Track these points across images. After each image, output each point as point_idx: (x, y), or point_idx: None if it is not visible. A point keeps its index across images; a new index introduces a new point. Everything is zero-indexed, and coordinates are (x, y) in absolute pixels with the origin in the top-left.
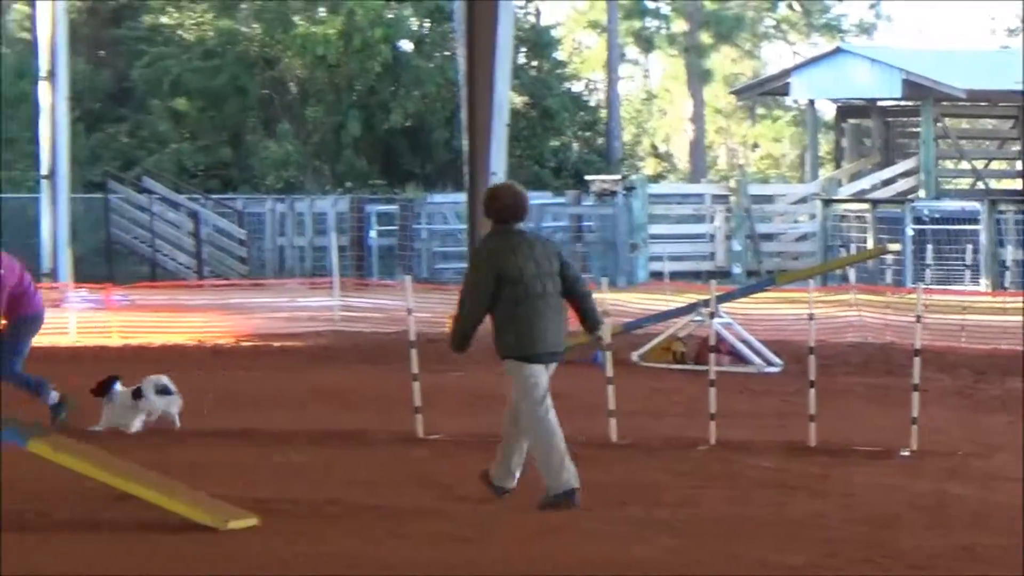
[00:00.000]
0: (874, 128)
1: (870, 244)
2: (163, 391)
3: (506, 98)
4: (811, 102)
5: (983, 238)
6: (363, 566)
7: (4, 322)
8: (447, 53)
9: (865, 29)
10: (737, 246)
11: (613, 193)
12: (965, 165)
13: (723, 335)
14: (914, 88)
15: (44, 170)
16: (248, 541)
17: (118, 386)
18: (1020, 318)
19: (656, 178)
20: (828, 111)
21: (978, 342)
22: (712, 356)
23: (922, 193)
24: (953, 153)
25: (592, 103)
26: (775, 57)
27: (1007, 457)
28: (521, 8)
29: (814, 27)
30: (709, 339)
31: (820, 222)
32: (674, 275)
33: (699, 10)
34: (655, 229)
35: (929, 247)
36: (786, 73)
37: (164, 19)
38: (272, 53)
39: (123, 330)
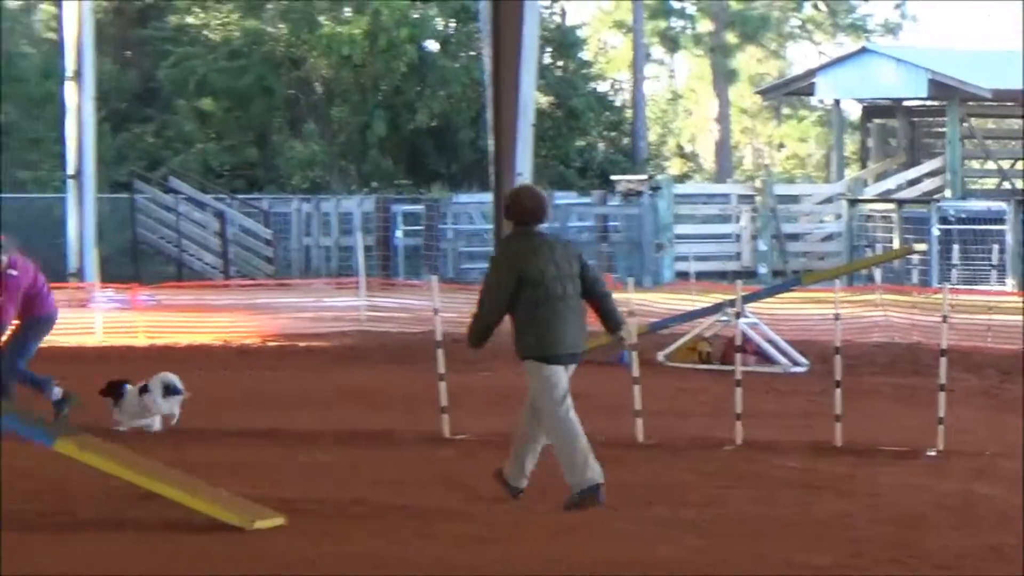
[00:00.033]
0: (900, 128)
1: (896, 244)
2: (170, 391)
3: (532, 98)
4: (837, 102)
5: (1009, 238)
6: (389, 566)
7: (16, 322)
8: (473, 53)
9: (891, 29)
10: (763, 246)
11: (639, 193)
12: (991, 165)
13: (749, 335)
14: (940, 88)
15: (71, 170)
16: (274, 541)
17: (128, 387)
18: None
19: (682, 178)
20: (854, 111)
21: (1004, 342)
22: (738, 356)
23: (948, 193)
24: (979, 153)
25: (618, 103)
26: (800, 57)
27: None
28: (547, 8)
29: (839, 27)
30: (735, 339)
31: (846, 222)
32: (700, 275)
33: (725, 10)
34: (681, 229)
35: (955, 247)
36: (811, 73)
37: (190, 19)
38: (298, 53)
39: (149, 330)
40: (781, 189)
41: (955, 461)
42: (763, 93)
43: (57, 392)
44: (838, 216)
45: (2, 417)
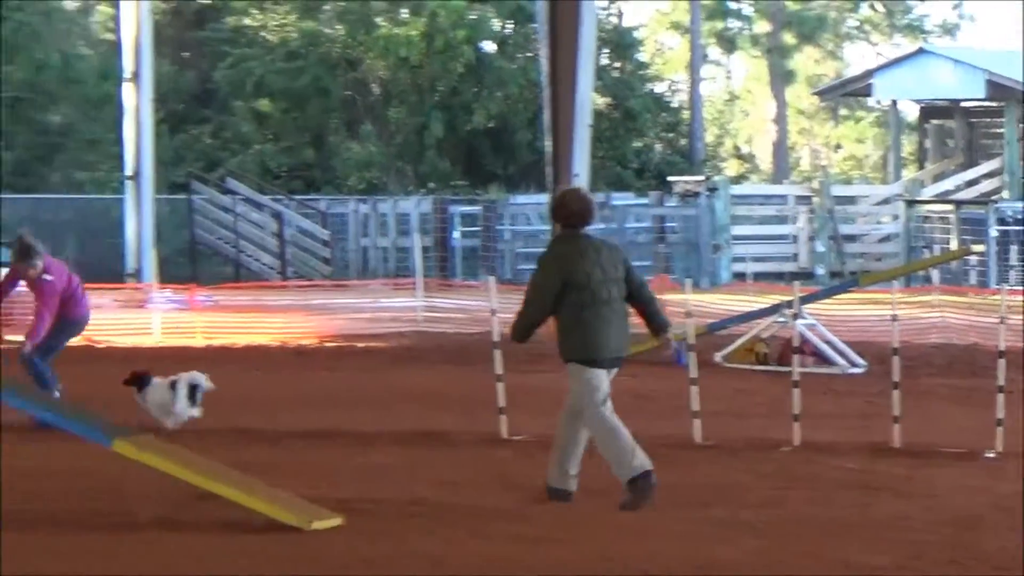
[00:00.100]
0: (957, 129)
1: (954, 245)
2: (195, 392)
3: (589, 99)
4: (894, 103)
5: None
6: (446, 566)
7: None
8: (530, 54)
9: (948, 29)
10: (820, 247)
11: (696, 194)
12: None
13: (806, 336)
14: (998, 89)
15: (129, 171)
16: (332, 541)
17: (154, 380)
18: None
19: (739, 179)
20: (911, 112)
21: None
22: (795, 357)
23: (1006, 194)
24: None
25: (675, 104)
26: (858, 58)
27: None
28: (604, 9)
29: (897, 28)
30: (792, 340)
31: (903, 223)
32: (757, 276)
33: (781, 11)
34: (738, 230)
35: (1013, 248)
36: (869, 74)
37: (247, 21)
38: (355, 54)
39: (207, 331)
40: (838, 190)
41: (1013, 463)
42: (820, 94)
43: (56, 395)
44: (895, 217)
45: (60, 417)
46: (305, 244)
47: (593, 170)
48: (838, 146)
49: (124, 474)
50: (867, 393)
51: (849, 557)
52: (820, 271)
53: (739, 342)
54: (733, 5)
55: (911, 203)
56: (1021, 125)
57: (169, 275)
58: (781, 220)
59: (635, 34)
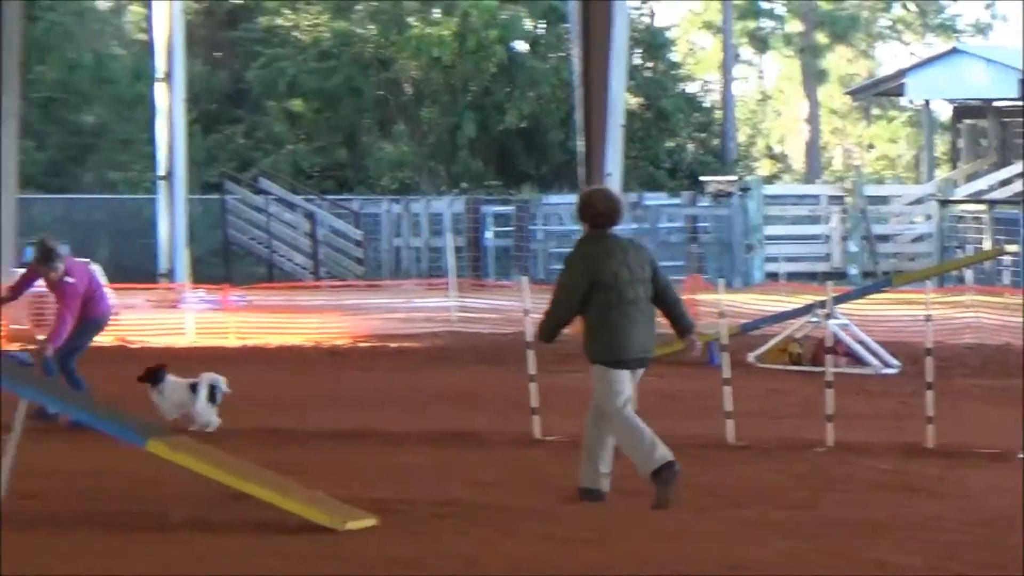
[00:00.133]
0: (990, 128)
1: (987, 245)
2: (214, 393)
3: (621, 99)
4: (927, 103)
5: None
6: (479, 566)
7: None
8: (562, 54)
9: (981, 29)
10: (853, 247)
11: (728, 194)
12: None
13: (840, 336)
14: None
15: (161, 171)
16: (364, 541)
17: (168, 377)
18: None
19: (771, 179)
20: (944, 111)
21: None
22: (829, 357)
23: None
24: None
25: (707, 104)
26: (890, 57)
27: None
28: (636, 9)
29: (929, 27)
30: (825, 340)
31: (936, 223)
32: (790, 276)
33: (814, 10)
34: (771, 230)
35: None
36: (901, 73)
37: (279, 21)
38: (387, 54)
39: (240, 331)
40: (871, 190)
41: None
42: (853, 94)
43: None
44: (928, 217)
45: (93, 417)
46: (338, 244)
47: (626, 170)
48: (871, 146)
49: (157, 474)
50: (900, 393)
51: (882, 558)
52: (853, 271)
53: (772, 342)
54: (765, 5)
55: (944, 203)
56: None
57: (202, 275)
58: (814, 220)
59: (667, 34)
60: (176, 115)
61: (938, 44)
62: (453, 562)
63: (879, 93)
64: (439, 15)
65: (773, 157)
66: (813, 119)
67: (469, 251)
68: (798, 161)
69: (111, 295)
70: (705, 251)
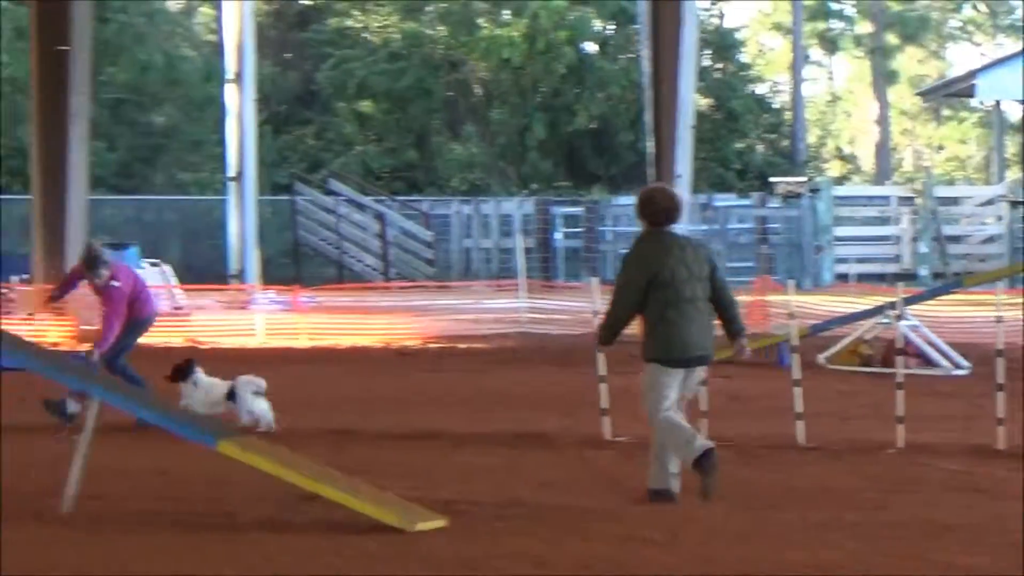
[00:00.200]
0: None
1: None
2: (258, 393)
3: (690, 100)
4: (997, 103)
5: None
6: (548, 566)
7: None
8: (632, 55)
9: None
10: (923, 248)
11: (798, 195)
12: None
13: (910, 338)
14: None
15: (232, 172)
16: (433, 542)
17: (200, 372)
18: None
19: (841, 180)
20: (1014, 112)
21: None
22: (899, 358)
23: None
24: None
25: (776, 105)
26: (961, 58)
27: None
28: (705, 10)
29: (1000, 28)
30: (896, 342)
31: (1007, 224)
32: (860, 277)
33: (884, 11)
34: (840, 231)
35: None
36: (972, 74)
37: (349, 22)
38: (457, 55)
39: (310, 332)
40: (941, 191)
41: None
42: (923, 95)
43: (74, 407)
44: (999, 218)
45: (163, 417)
46: (408, 245)
47: (695, 171)
48: (941, 147)
49: (225, 475)
50: (971, 395)
51: (951, 559)
52: (923, 272)
53: (842, 344)
54: (835, 6)
55: (1015, 204)
56: None
57: (272, 276)
58: (884, 221)
59: (737, 35)
60: (246, 116)
61: (1009, 45)
62: (521, 563)
63: (949, 94)
64: (509, 16)
65: (843, 158)
66: (883, 120)
67: (539, 252)
68: (868, 162)
69: (182, 295)
70: (775, 252)
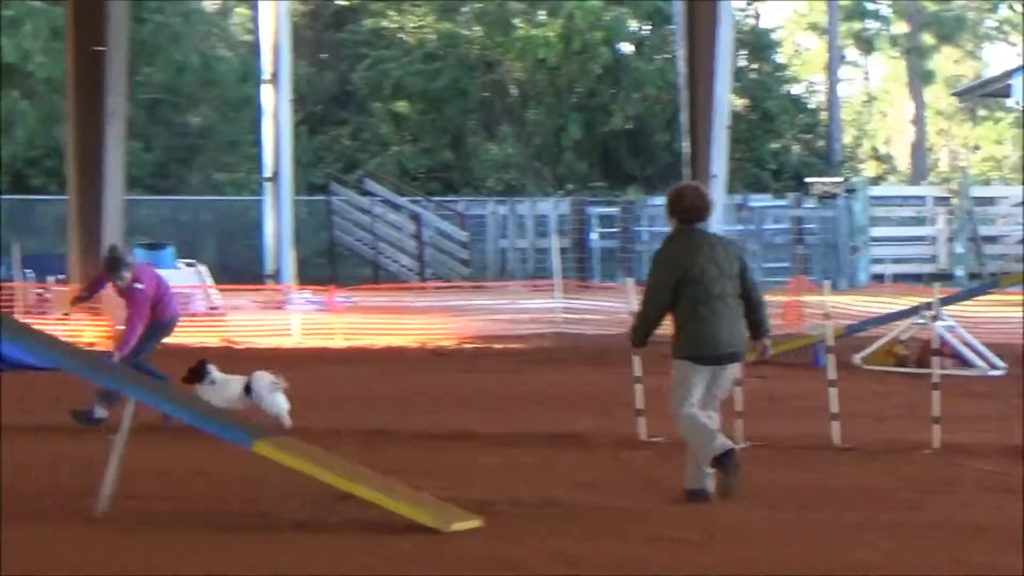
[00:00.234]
0: None
1: None
2: (274, 388)
3: (726, 100)
4: None
5: None
6: (583, 566)
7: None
8: (667, 55)
9: None
10: (959, 248)
11: (834, 195)
12: None
13: (946, 338)
14: None
15: (267, 172)
16: (468, 542)
17: (214, 371)
18: None
19: (877, 180)
20: None
21: None
22: (935, 359)
23: None
24: None
25: (812, 105)
26: (997, 58)
27: None
28: (741, 11)
29: None
30: (931, 342)
31: None
32: (896, 278)
33: (920, 11)
34: (876, 231)
35: None
36: (1008, 75)
37: (385, 22)
38: (492, 56)
39: (346, 332)
40: (977, 191)
41: None
42: (959, 95)
43: (102, 412)
44: None
45: (199, 417)
46: (443, 246)
47: (731, 171)
48: (977, 147)
49: (259, 474)
50: (1007, 395)
51: (987, 560)
52: (959, 273)
53: (878, 344)
54: (871, 6)
55: None
56: None
57: (308, 276)
58: (920, 221)
59: (772, 35)
60: (282, 117)
61: None
62: (557, 563)
63: (985, 94)
64: (544, 16)
65: (879, 158)
66: (919, 120)
67: (574, 252)
68: (904, 162)
69: (217, 296)
70: (810, 252)
